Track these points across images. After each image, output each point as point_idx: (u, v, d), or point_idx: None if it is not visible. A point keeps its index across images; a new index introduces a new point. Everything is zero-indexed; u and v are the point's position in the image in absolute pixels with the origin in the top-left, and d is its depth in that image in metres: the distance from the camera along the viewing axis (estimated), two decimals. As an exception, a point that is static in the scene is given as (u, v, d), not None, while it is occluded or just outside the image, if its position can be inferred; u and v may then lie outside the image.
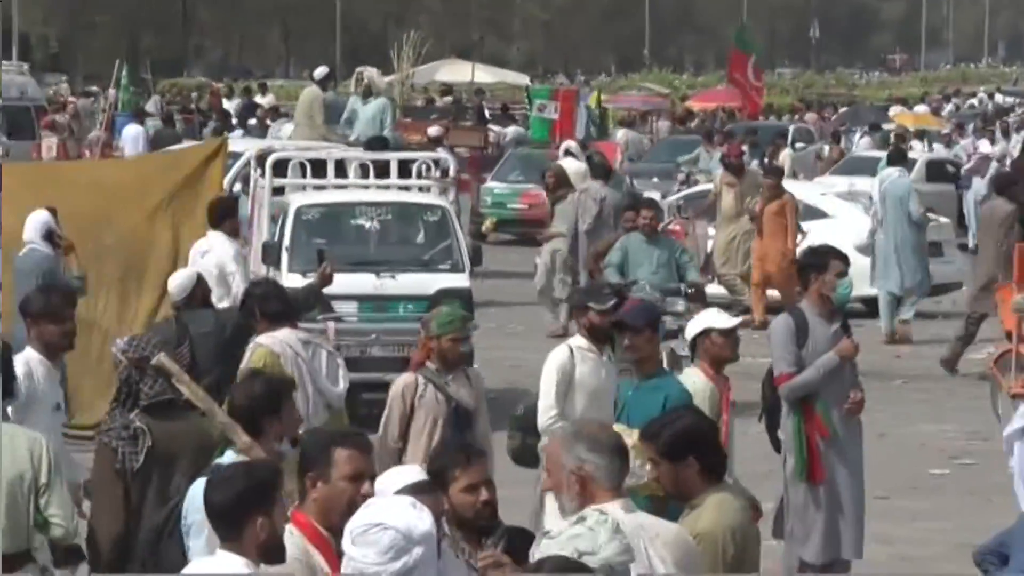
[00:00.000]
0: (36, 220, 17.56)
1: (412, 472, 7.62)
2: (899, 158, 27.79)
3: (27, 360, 11.04)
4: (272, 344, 12.23)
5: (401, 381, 12.01)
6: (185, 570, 7.32)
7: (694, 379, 11.31)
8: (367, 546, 6.65)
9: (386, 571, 6.63)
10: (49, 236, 17.18)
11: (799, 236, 26.06)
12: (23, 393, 10.74)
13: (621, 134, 45.85)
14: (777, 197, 26.14)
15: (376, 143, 24.55)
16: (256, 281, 15.02)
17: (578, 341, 12.15)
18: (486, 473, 7.81)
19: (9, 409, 10.45)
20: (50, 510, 9.36)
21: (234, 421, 9.20)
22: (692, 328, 11.05)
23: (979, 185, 36.52)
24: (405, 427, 11.76)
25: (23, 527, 9.33)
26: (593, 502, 7.44)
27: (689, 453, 8.09)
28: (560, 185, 26.77)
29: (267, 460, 7.69)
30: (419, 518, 6.74)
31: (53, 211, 16.47)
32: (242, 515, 7.04)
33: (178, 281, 13.97)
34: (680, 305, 19.83)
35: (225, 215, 18.27)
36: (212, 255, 17.73)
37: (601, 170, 27.51)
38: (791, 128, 45.83)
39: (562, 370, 12.01)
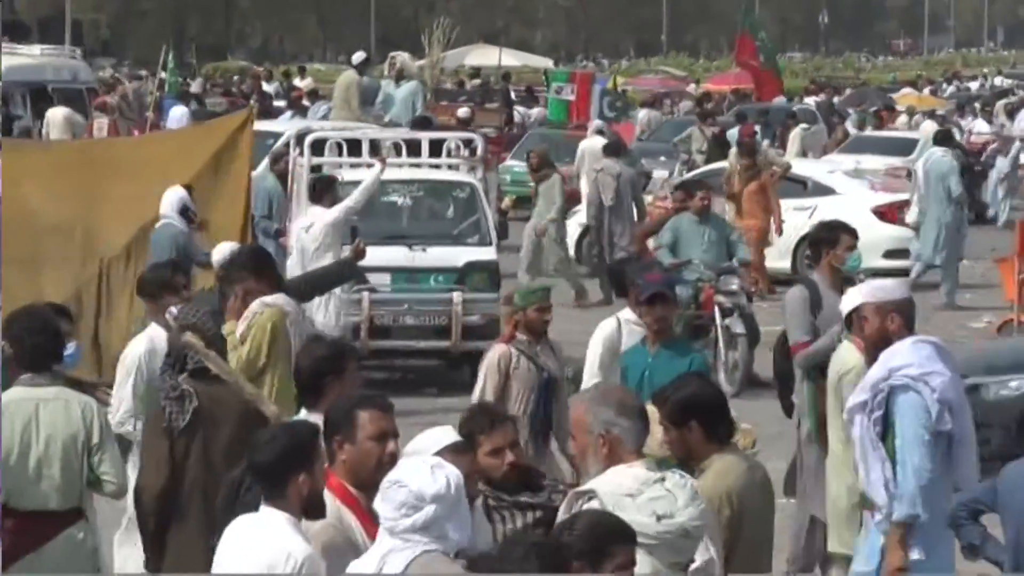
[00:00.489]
0: (172, 196, 17.73)
1: (446, 433, 7.60)
2: (945, 139, 27.68)
3: (151, 336, 11.21)
4: (282, 303, 12.10)
5: (496, 352, 11.73)
6: (231, 526, 7.33)
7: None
8: (386, 501, 6.71)
9: (398, 526, 6.68)
10: (184, 212, 17.28)
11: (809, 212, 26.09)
12: (145, 369, 10.94)
13: (643, 114, 45.78)
14: (756, 177, 26.04)
15: (420, 122, 24.81)
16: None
17: (627, 315, 12.02)
18: (511, 437, 7.77)
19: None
20: (102, 468, 9.43)
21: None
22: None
23: (1003, 164, 36.54)
24: (499, 398, 11.62)
25: (76, 485, 9.37)
26: (619, 463, 7.47)
27: (692, 418, 8.11)
28: (543, 165, 26.68)
29: (306, 422, 7.61)
30: (434, 479, 6.73)
31: (189, 188, 16.50)
32: (285, 473, 7.12)
33: (221, 252, 13.96)
34: (734, 284, 19.66)
35: (324, 191, 18.98)
36: (315, 229, 18.30)
37: (613, 148, 27.91)
38: (796, 107, 45.63)
39: (608, 342, 11.94)
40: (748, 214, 25.71)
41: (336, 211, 18.65)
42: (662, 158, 37.59)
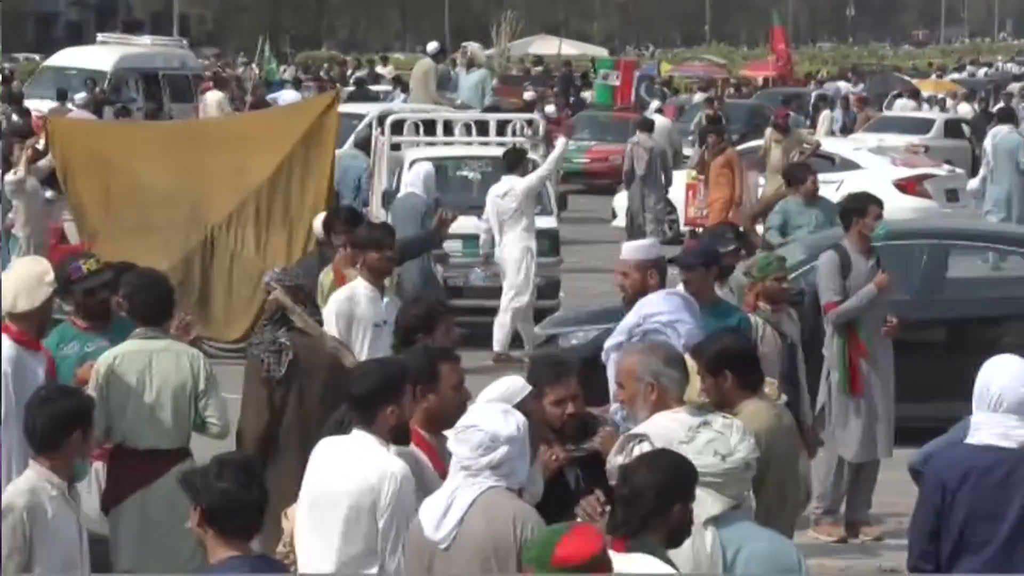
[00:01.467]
0: (420, 169, 18.62)
1: (515, 382, 7.59)
2: (1008, 117, 27.27)
3: (353, 288, 11.13)
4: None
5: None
6: (323, 447, 7.38)
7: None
8: (463, 443, 6.72)
9: (476, 464, 6.69)
10: (428, 185, 18.18)
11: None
12: (347, 314, 10.82)
13: (699, 96, 45.78)
14: (721, 152, 25.82)
15: (491, 109, 25.10)
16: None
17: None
18: (573, 389, 7.66)
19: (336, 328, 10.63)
20: (207, 412, 9.45)
21: (342, 344, 9.28)
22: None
23: None
24: None
25: (185, 427, 9.43)
26: (665, 409, 7.46)
27: (725, 368, 8.11)
28: None
29: (398, 360, 7.68)
30: (506, 423, 6.77)
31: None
32: (376, 404, 7.21)
33: (318, 222, 13.99)
34: None
35: (517, 161, 19.47)
36: (510, 197, 18.73)
37: (646, 124, 28.27)
38: (813, 94, 45.29)
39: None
40: (715, 185, 25.43)
41: (530, 178, 19.15)
42: (690, 138, 37.59)
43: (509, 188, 18.95)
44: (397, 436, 7.26)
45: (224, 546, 6.12)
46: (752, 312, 11.35)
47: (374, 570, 7.08)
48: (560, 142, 20.37)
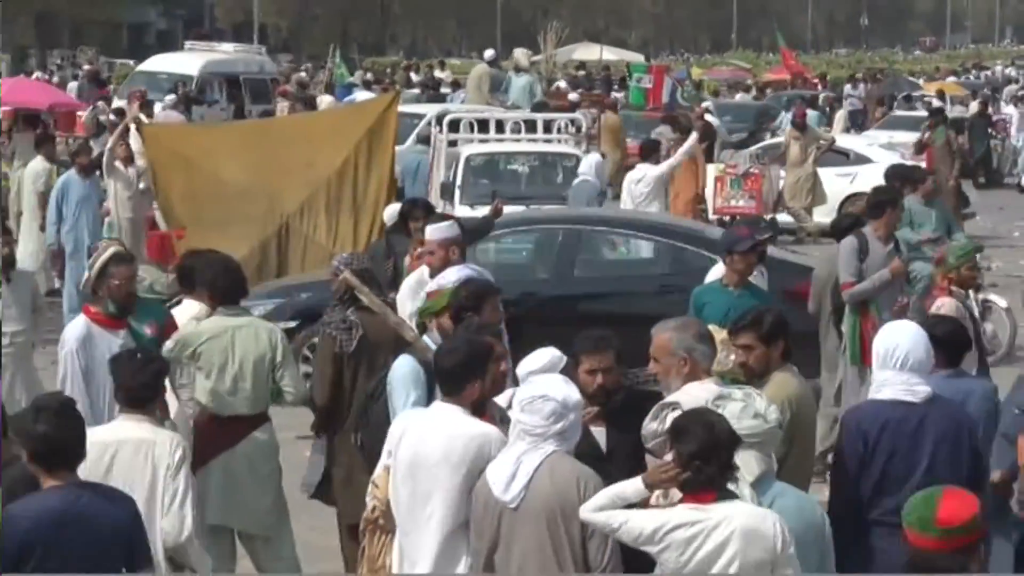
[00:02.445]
0: (591, 159, 19.69)
1: (553, 354, 7.58)
2: None
3: (422, 272, 11.08)
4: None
5: (950, 304, 10.90)
6: (408, 417, 7.36)
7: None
8: (534, 413, 6.71)
9: (549, 431, 6.69)
10: (599, 172, 19.16)
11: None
12: (418, 295, 10.67)
13: (739, 96, 45.89)
14: None
15: (538, 107, 25.24)
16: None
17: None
18: (607, 361, 7.64)
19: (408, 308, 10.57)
20: (284, 381, 9.53)
21: (402, 320, 9.28)
22: None
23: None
24: None
25: (264, 395, 9.49)
26: (695, 380, 7.46)
27: (780, 337, 8.07)
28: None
29: (487, 339, 7.55)
30: (572, 391, 6.81)
31: (604, 156, 17.04)
32: (462, 377, 7.17)
33: (389, 211, 14.02)
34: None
35: (651, 151, 20.73)
36: (643, 182, 19.48)
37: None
38: (821, 95, 45.05)
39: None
40: (680, 179, 25.37)
41: (663, 167, 20.16)
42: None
43: (643, 175, 19.69)
44: (478, 408, 7.20)
45: (48, 477, 6.30)
46: (945, 296, 11.02)
47: (463, 530, 7.02)
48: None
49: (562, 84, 41.40)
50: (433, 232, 11.07)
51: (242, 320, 9.58)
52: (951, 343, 8.56)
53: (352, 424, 9.14)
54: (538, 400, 6.72)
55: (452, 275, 9.92)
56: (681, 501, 6.36)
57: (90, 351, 9.11)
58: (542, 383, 6.86)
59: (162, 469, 7.55)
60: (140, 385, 7.70)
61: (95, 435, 7.31)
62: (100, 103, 31.41)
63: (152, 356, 8.08)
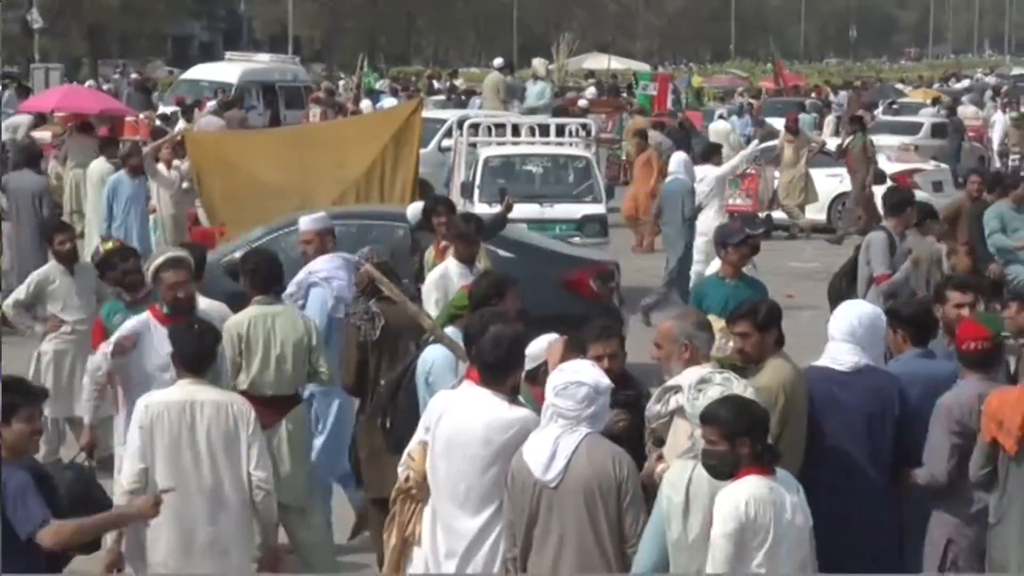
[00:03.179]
0: (679, 157, 19.77)
1: (550, 337, 7.58)
2: None
3: (446, 266, 10.97)
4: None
5: None
6: (447, 400, 7.30)
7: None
8: (568, 398, 6.70)
9: (582, 415, 6.69)
10: (688, 170, 19.29)
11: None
12: (442, 288, 10.67)
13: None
14: (643, 150, 25.85)
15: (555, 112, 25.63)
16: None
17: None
18: (611, 349, 7.65)
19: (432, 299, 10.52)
20: (318, 364, 9.59)
21: (420, 309, 9.28)
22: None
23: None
24: None
25: (301, 376, 9.53)
26: (695, 365, 7.44)
27: (773, 326, 8.08)
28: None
29: (521, 331, 7.51)
30: (602, 376, 6.81)
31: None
32: (506, 367, 7.12)
33: (413, 209, 13.99)
34: None
35: (712, 153, 20.91)
36: (704, 182, 19.59)
37: (659, 124, 29.39)
38: (807, 101, 44.82)
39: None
40: (637, 180, 25.43)
41: (723, 168, 20.43)
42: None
43: (704, 175, 19.71)
44: (514, 394, 7.18)
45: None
46: None
47: (497, 503, 7.03)
48: (753, 144, 21.16)
49: (592, 91, 41.48)
50: (310, 223, 11.26)
51: (279, 308, 9.64)
52: (917, 323, 8.53)
53: (380, 407, 9.14)
54: (572, 385, 6.71)
55: (320, 263, 10.36)
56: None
57: (140, 345, 9.06)
58: (574, 369, 6.84)
59: (243, 425, 7.82)
60: (199, 351, 7.87)
61: (169, 395, 7.73)
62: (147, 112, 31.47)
63: (209, 327, 8.21)
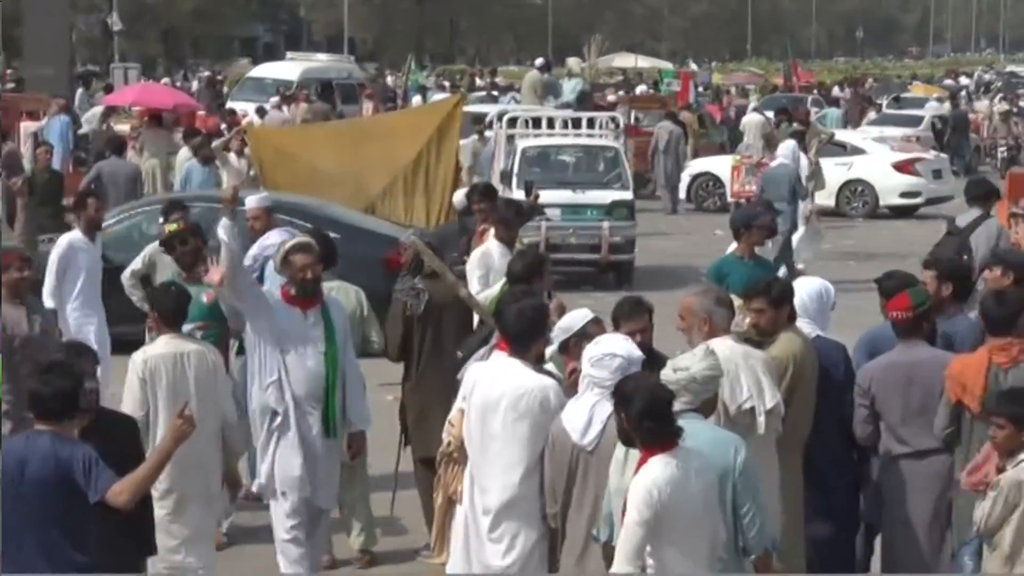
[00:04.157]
0: (787, 144, 19.77)
1: (585, 313, 7.51)
2: None
3: (488, 246, 10.80)
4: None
5: None
6: (480, 369, 7.26)
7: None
8: (603, 368, 6.64)
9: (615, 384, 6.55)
10: (795, 155, 19.26)
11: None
12: (484, 266, 10.53)
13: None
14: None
15: (582, 98, 25.36)
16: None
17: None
18: (642, 324, 7.55)
19: (475, 277, 10.40)
20: (370, 334, 9.57)
21: (458, 281, 9.21)
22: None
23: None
24: None
25: (356, 343, 9.38)
26: (714, 337, 7.38)
27: (786, 302, 8.03)
28: None
29: (545, 304, 7.52)
30: (634, 348, 6.75)
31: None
32: (530, 337, 7.08)
33: (459, 196, 13.95)
34: None
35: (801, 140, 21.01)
36: (782, 164, 19.43)
37: (670, 114, 29.22)
38: (810, 98, 44.42)
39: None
40: None
41: (796, 167, 19.83)
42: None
43: (783, 155, 19.54)
44: (540, 362, 7.14)
45: (38, 423, 6.28)
46: None
47: (526, 463, 6.99)
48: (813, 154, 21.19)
49: (642, 87, 41.36)
50: (256, 201, 11.28)
51: (335, 283, 9.56)
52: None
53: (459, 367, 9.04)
54: (607, 357, 6.65)
55: (270, 237, 10.33)
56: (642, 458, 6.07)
57: (276, 314, 8.72)
58: (609, 342, 6.79)
59: (219, 370, 8.47)
60: (176, 309, 8.45)
61: (159, 349, 8.37)
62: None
63: (183, 289, 8.71)
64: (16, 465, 6.11)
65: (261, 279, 10.24)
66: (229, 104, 32.74)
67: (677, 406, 6.22)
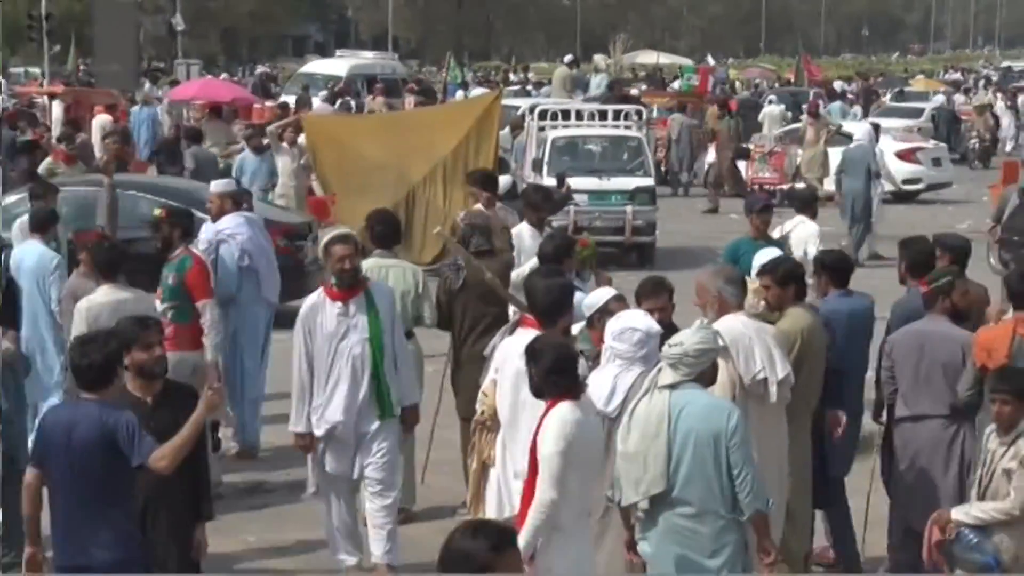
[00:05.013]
0: (863, 127, 20.27)
1: (608, 291, 7.51)
2: None
3: (520, 228, 10.84)
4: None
5: None
6: (516, 339, 7.23)
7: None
8: (624, 341, 6.64)
9: (636, 355, 6.63)
10: (871, 138, 19.69)
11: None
12: (515, 249, 10.50)
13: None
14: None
15: (610, 100, 25.23)
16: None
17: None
18: (661, 303, 7.56)
19: None
20: (424, 310, 9.42)
21: (482, 266, 9.16)
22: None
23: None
24: None
25: (409, 318, 9.27)
26: (726, 314, 7.35)
27: (792, 282, 8.02)
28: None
29: (566, 282, 7.43)
30: (652, 323, 6.74)
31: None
32: (556, 311, 7.06)
33: (506, 180, 13.86)
34: None
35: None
36: (859, 145, 19.79)
37: (681, 107, 28.99)
38: (811, 91, 44.11)
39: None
40: (720, 147, 25.80)
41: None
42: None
43: (852, 140, 20.15)
44: (567, 334, 7.12)
45: (84, 392, 6.25)
46: None
47: None
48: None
49: (676, 84, 41.21)
50: (216, 187, 11.27)
51: (392, 261, 9.49)
52: (838, 268, 8.57)
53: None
54: (628, 331, 6.65)
55: (225, 222, 10.51)
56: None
57: (315, 317, 8.34)
58: (629, 317, 6.77)
59: (152, 313, 8.23)
60: (110, 260, 8.99)
61: (100, 298, 8.75)
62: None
63: (116, 243, 9.30)
64: (64, 430, 6.12)
65: (216, 262, 10.33)
66: (283, 98, 32.78)
67: (676, 377, 6.23)
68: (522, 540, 5.82)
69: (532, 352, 6.24)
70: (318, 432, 8.19)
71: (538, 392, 6.22)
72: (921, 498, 7.87)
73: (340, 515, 8.36)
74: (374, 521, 8.22)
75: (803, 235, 11.99)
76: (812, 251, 11.19)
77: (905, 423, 7.99)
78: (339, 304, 8.14)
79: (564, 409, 6.09)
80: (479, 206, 11.61)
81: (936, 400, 7.87)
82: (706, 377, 6.34)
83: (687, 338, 6.31)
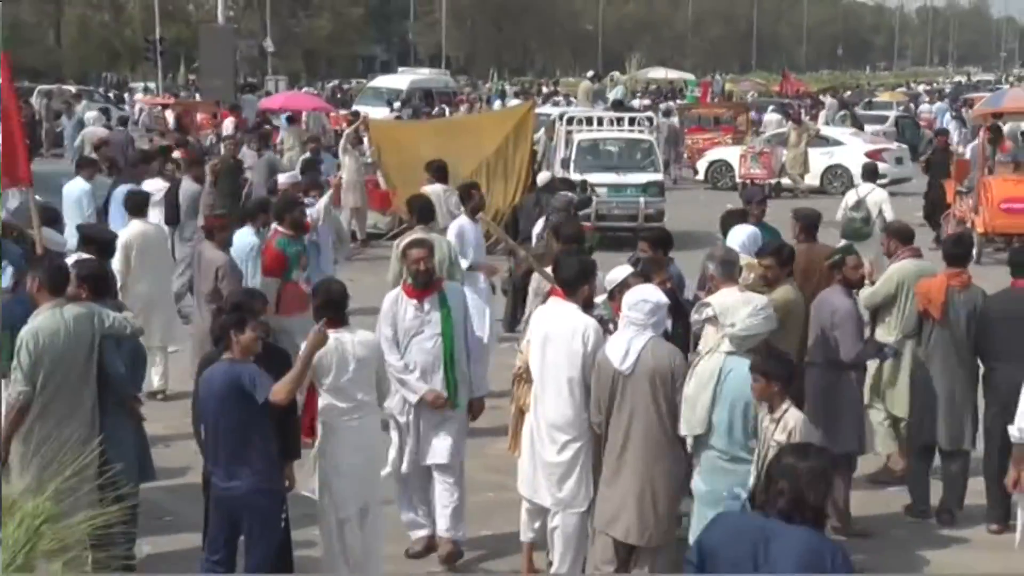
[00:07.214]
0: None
1: (626, 268, 7.41)
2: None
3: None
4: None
5: None
6: (544, 311, 7.13)
7: None
8: (638, 311, 6.57)
9: (648, 322, 6.56)
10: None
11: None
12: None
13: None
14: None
15: (620, 107, 24.84)
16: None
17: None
18: (665, 276, 7.54)
19: None
20: (455, 275, 9.38)
21: (518, 247, 9.11)
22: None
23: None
24: None
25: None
26: (721, 288, 7.24)
27: (790, 262, 8.07)
28: None
29: (586, 258, 7.32)
30: (662, 295, 6.67)
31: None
32: (577, 282, 6.95)
33: (544, 175, 13.76)
34: None
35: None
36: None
37: (666, 111, 29.28)
38: (795, 102, 43.47)
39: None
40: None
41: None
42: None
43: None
44: (587, 306, 7.03)
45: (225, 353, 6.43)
46: None
47: (573, 384, 6.89)
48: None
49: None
50: (286, 178, 11.22)
51: (433, 236, 9.39)
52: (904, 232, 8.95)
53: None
54: (641, 302, 6.60)
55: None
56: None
57: (395, 312, 7.83)
58: (642, 290, 6.74)
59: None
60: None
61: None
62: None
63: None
64: (206, 384, 6.39)
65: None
66: (355, 107, 32.77)
67: (727, 346, 6.41)
68: None
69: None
70: (402, 419, 7.71)
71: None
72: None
73: (418, 493, 7.88)
74: (441, 500, 7.77)
75: (877, 199, 12.08)
76: (888, 212, 11.16)
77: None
78: (415, 301, 7.72)
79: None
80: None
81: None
82: (752, 351, 6.47)
83: (740, 320, 6.45)
